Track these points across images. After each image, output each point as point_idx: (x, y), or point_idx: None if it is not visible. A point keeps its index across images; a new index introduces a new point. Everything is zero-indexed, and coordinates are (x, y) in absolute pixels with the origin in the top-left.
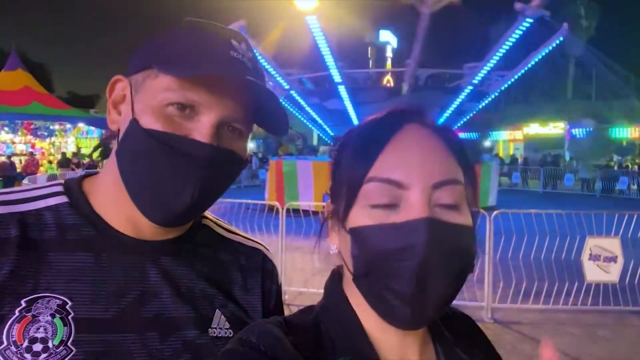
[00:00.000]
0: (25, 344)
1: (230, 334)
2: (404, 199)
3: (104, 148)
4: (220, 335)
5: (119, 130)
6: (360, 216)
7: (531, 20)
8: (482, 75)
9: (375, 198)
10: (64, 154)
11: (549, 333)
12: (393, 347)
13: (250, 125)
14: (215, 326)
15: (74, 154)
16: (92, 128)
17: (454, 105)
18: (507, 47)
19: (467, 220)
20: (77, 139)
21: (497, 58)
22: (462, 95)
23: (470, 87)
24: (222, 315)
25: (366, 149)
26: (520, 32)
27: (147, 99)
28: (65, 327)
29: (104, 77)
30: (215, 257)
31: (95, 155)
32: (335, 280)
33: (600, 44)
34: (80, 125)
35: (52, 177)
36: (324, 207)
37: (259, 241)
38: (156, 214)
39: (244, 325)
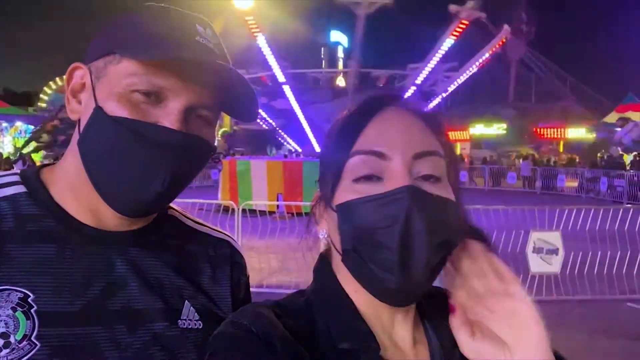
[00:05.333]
0: None
1: (200, 325)
2: (387, 171)
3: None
4: (190, 326)
5: (79, 121)
6: (346, 192)
7: (467, 22)
8: (424, 76)
9: (359, 171)
10: (0, 154)
11: None
12: (385, 324)
13: (218, 112)
14: (184, 317)
15: (21, 156)
16: (31, 127)
17: None
18: (446, 49)
19: (449, 195)
20: (14, 138)
21: (437, 59)
22: (406, 96)
23: (414, 88)
24: (192, 307)
25: (350, 128)
26: (457, 34)
27: (111, 85)
28: (28, 321)
29: (43, 74)
30: (183, 248)
31: (38, 157)
32: (324, 264)
33: (540, 48)
34: (18, 124)
35: None
36: (314, 201)
37: (227, 232)
38: (123, 204)
39: (214, 316)
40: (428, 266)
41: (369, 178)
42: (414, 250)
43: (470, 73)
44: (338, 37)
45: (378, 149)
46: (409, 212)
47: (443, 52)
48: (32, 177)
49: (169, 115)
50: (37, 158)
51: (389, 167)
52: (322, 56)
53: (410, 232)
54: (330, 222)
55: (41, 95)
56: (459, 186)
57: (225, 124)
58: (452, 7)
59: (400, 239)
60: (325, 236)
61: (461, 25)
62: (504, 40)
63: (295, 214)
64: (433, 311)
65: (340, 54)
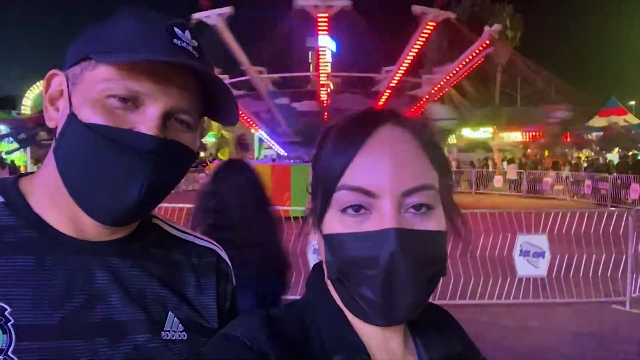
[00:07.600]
0: None
1: (184, 336)
2: (375, 207)
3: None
4: (173, 338)
5: (56, 127)
6: (333, 222)
7: (434, 23)
8: (397, 78)
9: (346, 205)
10: None
11: (485, 326)
12: (376, 337)
13: (199, 115)
14: (168, 329)
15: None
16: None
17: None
18: (416, 51)
19: (438, 225)
20: None
21: (408, 61)
22: (383, 99)
23: (388, 91)
24: (176, 318)
25: (339, 155)
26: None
27: (86, 91)
28: (5, 335)
29: (26, 77)
30: (167, 257)
31: (21, 160)
32: (317, 275)
33: (525, 53)
34: (1, 127)
35: None
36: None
37: (213, 241)
38: (101, 213)
39: (199, 327)
40: (414, 304)
41: (357, 209)
42: (399, 293)
43: (457, 76)
44: (325, 41)
45: (366, 187)
46: (393, 255)
47: (414, 54)
48: (10, 187)
49: (146, 121)
50: (21, 162)
51: (377, 204)
52: (310, 60)
53: (395, 276)
54: (319, 242)
55: (24, 99)
56: (453, 205)
57: (213, 127)
58: (417, 9)
59: (384, 281)
60: (317, 247)
61: (484, 44)
62: (487, 43)
63: (283, 219)
64: (423, 325)
65: (329, 58)
